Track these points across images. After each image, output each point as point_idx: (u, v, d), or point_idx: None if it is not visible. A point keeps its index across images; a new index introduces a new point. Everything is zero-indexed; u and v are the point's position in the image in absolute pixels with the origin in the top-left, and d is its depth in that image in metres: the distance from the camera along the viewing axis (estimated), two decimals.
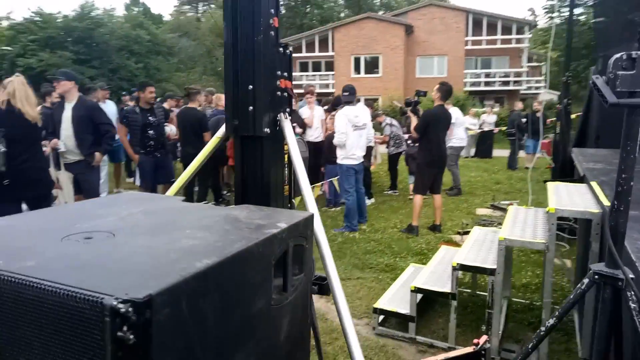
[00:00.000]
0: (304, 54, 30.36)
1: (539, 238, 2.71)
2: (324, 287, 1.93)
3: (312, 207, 1.64)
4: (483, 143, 14.64)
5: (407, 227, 5.66)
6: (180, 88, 29.18)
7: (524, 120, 10.95)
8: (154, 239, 1.10)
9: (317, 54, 30.11)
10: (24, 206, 3.85)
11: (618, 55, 1.35)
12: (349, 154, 5.61)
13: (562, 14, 24.84)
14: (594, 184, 3.19)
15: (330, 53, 29.30)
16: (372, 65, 28.97)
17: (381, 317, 3.30)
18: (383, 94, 27.47)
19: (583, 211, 2.56)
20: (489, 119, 14.37)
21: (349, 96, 5.61)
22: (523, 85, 29.10)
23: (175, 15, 49.82)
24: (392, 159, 8.34)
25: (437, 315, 3.45)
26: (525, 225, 3.02)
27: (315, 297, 3.95)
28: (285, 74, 1.86)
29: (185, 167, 5.85)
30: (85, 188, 4.33)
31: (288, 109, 1.88)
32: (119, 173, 8.24)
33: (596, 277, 1.46)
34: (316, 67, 30.99)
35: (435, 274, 3.32)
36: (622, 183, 1.45)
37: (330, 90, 29.43)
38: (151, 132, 5.57)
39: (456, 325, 3.03)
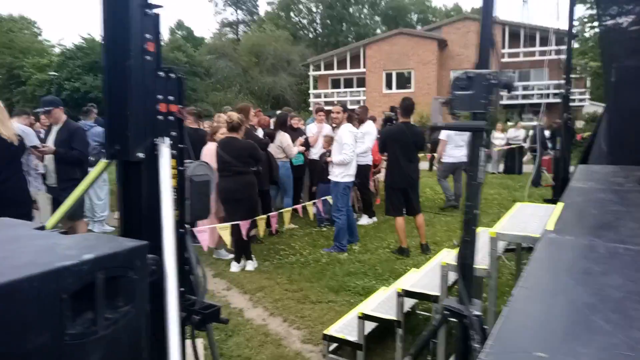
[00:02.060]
0: (335, 71, 30.57)
1: (483, 263, 2.53)
2: (206, 318, 1.88)
3: (167, 240, 1.59)
4: (512, 159, 14.08)
5: (398, 248, 5.47)
6: (216, 107, 30.07)
7: (547, 134, 10.46)
8: None
9: (348, 70, 30.22)
10: None
11: (457, 74, 1.24)
12: (350, 171, 5.50)
13: (603, 23, 23.80)
14: (560, 205, 2.97)
15: (362, 69, 29.35)
16: (404, 81, 28.76)
17: (335, 345, 3.17)
18: (415, 110, 27.11)
19: (524, 236, 2.38)
20: (517, 133, 13.84)
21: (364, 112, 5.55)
22: None
23: (217, 37, 51.61)
24: None
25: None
26: (479, 247, 2.83)
27: (277, 321, 3.88)
28: (172, 97, 1.84)
29: None
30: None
31: (174, 133, 1.86)
32: None
33: (446, 312, 1.33)
34: (348, 84, 31.09)
35: (391, 298, 3.17)
36: (467, 211, 1.32)
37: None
38: None
39: (406, 354, 2.86)
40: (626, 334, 1.18)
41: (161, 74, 1.80)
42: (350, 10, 44.90)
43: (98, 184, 6.63)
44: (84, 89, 26.23)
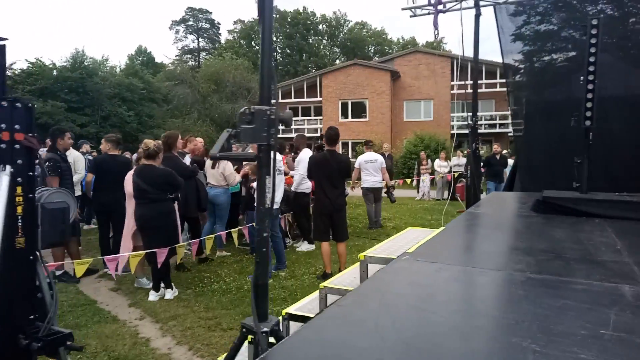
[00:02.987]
0: (293, 99, 31.05)
1: (351, 285, 2.63)
2: (48, 345, 1.88)
3: None
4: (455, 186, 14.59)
5: (322, 273, 5.55)
6: None
7: (481, 163, 10.95)
8: None
9: (305, 99, 30.78)
10: None
11: (242, 109, 1.36)
12: (275, 198, 5.58)
13: (541, 59, 25.52)
14: (439, 230, 3.13)
15: (319, 98, 29.93)
16: (359, 110, 29.48)
17: None
18: (371, 138, 27.76)
19: (386, 258, 2.50)
20: (458, 161, 14.38)
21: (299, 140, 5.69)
22: (510, 127, 29.34)
23: (177, 63, 51.44)
24: None
25: None
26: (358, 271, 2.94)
27: (182, 350, 3.83)
28: (18, 126, 1.88)
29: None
30: None
31: (20, 161, 1.89)
32: None
33: (243, 329, 1.41)
34: (306, 112, 31.59)
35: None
36: (258, 234, 1.41)
37: (318, 134, 30.00)
38: None
39: None
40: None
41: (4, 103, 1.85)
42: (310, 40, 46.02)
43: None
44: None
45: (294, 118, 31.17)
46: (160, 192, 4.79)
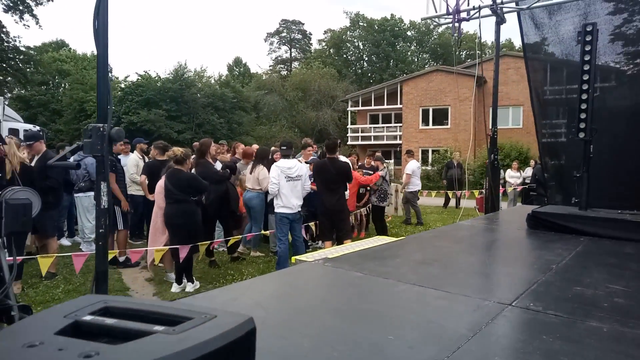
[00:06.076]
0: (373, 107, 31.14)
1: None
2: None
3: None
4: (527, 197, 13.70)
5: None
6: (260, 140, 31.51)
7: (546, 175, 10.20)
8: None
9: (386, 106, 30.70)
10: None
11: (86, 126, 1.65)
12: (284, 202, 5.90)
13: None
14: (398, 239, 3.20)
15: (399, 105, 29.70)
16: (441, 117, 28.70)
17: None
18: (452, 145, 26.89)
19: (308, 262, 2.66)
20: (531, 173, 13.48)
21: (287, 150, 6.00)
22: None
23: (269, 73, 54.15)
24: (375, 211, 8.40)
25: None
26: None
27: None
28: None
29: None
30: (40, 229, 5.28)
31: None
32: None
33: None
34: (386, 119, 31.51)
35: None
36: (96, 229, 1.69)
37: (398, 141, 29.72)
38: None
39: None
40: None
41: None
42: (398, 47, 45.71)
43: (88, 208, 7.44)
44: (139, 121, 28.55)
45: (374, 125, 31.33)
46: (183, 193, 5.31)
